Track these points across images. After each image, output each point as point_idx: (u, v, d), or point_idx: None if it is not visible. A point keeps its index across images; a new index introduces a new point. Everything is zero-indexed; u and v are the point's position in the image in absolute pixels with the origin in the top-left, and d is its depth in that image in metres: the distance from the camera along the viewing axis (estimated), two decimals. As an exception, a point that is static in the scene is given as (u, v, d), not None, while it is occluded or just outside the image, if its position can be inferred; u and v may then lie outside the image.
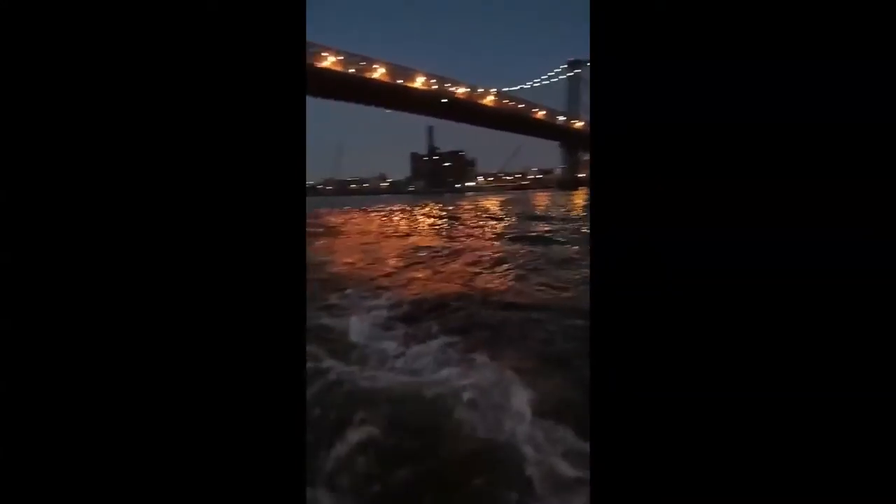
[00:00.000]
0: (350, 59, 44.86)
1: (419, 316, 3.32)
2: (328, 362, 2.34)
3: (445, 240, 9.43)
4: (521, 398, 1.86)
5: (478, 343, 2.60)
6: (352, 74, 45.08)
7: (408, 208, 26.56)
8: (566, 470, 1.44)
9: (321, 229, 12.90)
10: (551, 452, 1.51)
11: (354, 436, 1.63)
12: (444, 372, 2.17)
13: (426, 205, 31.09)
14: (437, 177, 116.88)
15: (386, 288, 4.39)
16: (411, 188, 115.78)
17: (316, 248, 8.18)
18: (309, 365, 2.26)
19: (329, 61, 43.37)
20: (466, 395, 1.88)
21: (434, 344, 2.59)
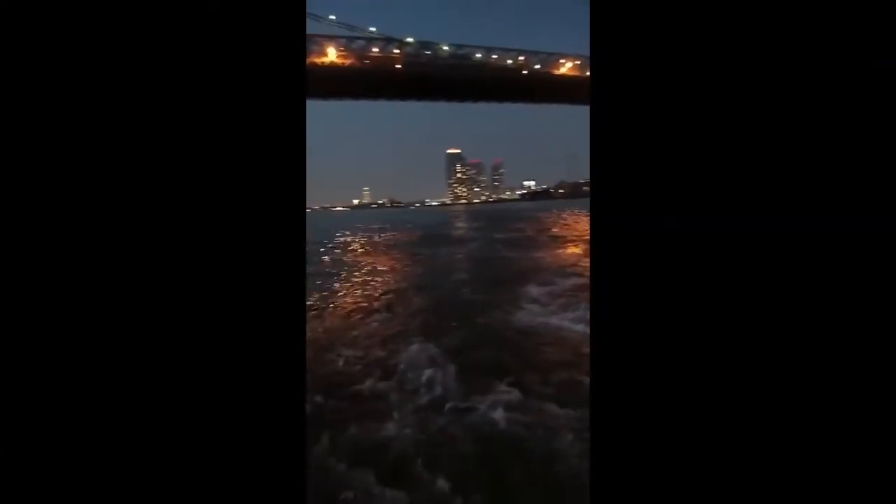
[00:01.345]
0: (587, 61, 45.19)
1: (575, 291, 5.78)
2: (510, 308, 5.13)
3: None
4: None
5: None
6: (587, 77, 45.62)
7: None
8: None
9: (544, 234, 16.34)
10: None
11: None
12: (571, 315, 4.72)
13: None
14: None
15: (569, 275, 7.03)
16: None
17: (532, 244, 11.74)
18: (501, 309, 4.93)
19: (566, 67, 45.12)
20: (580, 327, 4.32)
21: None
